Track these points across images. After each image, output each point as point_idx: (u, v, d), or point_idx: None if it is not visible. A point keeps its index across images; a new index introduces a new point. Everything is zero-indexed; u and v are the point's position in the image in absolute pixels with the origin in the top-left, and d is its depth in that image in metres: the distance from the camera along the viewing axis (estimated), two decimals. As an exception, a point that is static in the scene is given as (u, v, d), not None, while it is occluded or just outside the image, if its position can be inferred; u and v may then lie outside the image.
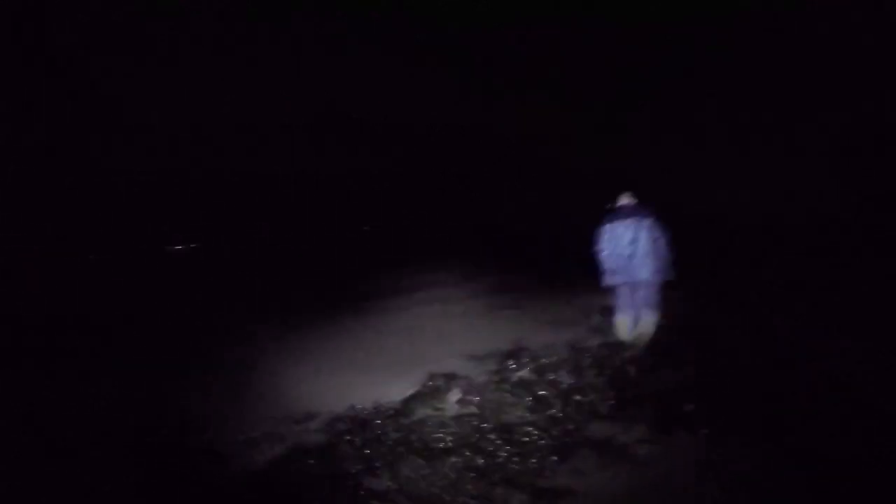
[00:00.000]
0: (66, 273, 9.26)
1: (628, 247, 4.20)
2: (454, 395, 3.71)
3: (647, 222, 4.21)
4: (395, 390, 3.92)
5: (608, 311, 5.07)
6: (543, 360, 4.28)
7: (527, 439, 3.17)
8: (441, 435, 3.24)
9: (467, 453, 3.05)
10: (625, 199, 4.42)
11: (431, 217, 13.47)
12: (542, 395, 3.66)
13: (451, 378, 4.04)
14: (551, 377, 3.97)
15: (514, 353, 4.53)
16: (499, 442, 3.15)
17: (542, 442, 3.14)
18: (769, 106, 12.69)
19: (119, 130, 13.19)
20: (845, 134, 11.40)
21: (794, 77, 12.24)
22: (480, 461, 2.98)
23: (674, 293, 4.80)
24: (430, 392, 3.83)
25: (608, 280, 4.42)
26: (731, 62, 12.83)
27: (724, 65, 12.91)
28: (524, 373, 4.05)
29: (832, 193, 10.14)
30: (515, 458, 2.99)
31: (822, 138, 11.54)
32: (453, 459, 3.00)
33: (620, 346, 4.57)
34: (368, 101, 14.73)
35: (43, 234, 10.68)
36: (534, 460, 2.96)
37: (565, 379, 3.92)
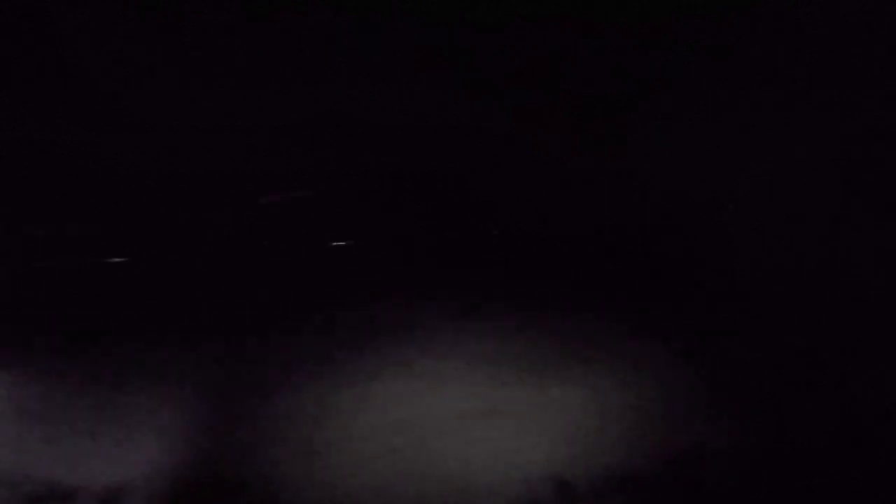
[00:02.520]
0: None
1: None
2: None
3: None
4: None
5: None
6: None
7: None
8: None
9: None
10: None
11: (428, 223, 12.06)
12: None
13: None
14: None
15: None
16: None
17: None
18: (769, 105, 12.25)
19: (118, 130, 12.15)
20: (847, 133, 11.10)
21: (794, 76, 11.89)
22: None
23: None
24: None
25: None
26: (730, 62, 12.34)
27: (724, 65, 12.41)
28: None
29: (833, 192, 9.57)
30: None
31: (824, 137, 11.10)
32: None
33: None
34: (368, 101, 13.80)
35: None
36: None
37: None
